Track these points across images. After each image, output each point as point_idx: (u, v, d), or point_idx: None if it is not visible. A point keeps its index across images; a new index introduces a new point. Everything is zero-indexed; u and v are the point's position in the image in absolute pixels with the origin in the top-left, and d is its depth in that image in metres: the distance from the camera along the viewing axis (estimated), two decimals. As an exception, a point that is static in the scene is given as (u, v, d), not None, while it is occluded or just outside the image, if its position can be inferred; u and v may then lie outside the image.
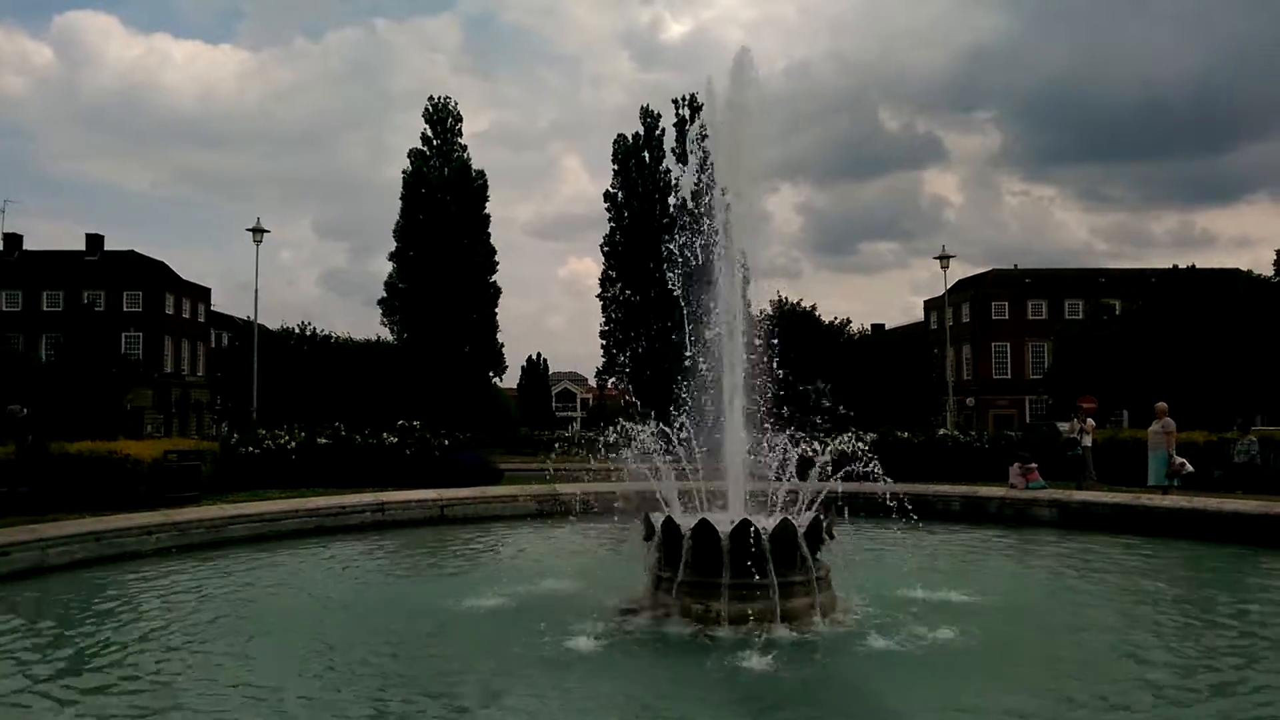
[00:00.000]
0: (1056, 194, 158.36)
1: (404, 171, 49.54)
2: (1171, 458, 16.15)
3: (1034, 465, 16.00)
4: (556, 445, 38.09)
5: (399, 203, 49.02)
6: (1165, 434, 16.59)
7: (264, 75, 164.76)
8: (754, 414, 8.74)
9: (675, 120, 50.38)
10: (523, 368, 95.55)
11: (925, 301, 76.76)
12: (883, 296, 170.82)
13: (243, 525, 12.86)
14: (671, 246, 9.13)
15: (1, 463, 13.95)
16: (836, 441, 8.55)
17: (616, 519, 9.38)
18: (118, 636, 7.42)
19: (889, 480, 8.22)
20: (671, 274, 9.20)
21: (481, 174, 50.29)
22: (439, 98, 50.81)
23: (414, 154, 49.71)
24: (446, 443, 19.59)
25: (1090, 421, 18.53)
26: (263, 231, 34.22)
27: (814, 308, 46.78)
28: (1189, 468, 16.11)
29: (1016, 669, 6.49)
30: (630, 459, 8.34)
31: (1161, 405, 17.15)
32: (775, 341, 9.30)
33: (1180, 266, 48.92)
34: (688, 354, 9.16)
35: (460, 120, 50.85)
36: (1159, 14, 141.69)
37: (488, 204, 50.45)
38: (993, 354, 68.37)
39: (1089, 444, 17.80)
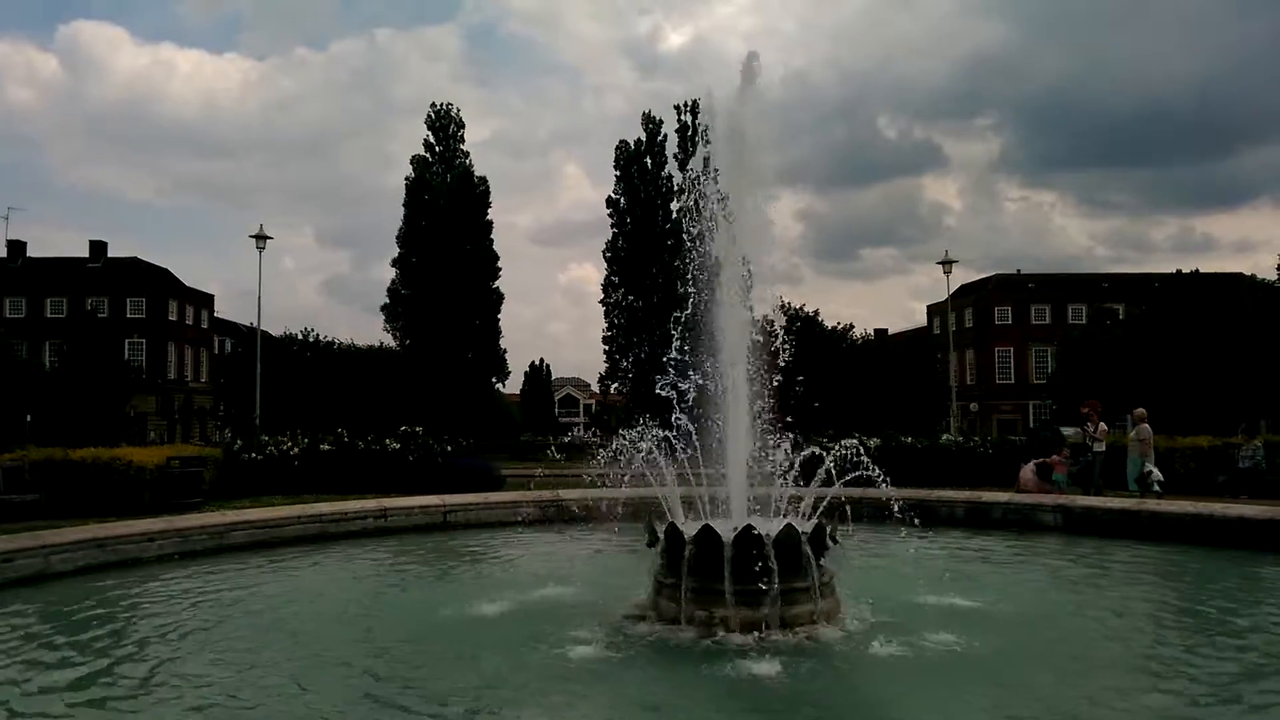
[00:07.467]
0: (1056, 200, 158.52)
1: (407, 178, 49.65)
2: (1143, 466, 16.01)
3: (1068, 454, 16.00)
4: (553, 450, 37.50)
5: (400, 210, 49.18)
6: (1139, 441, 16.49)
7: (266, 84, 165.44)
8: (757, 419, 8.71)
9: (677, 126, 50.49)
10: (525, 374, 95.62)
11: (928, 307, 76.84)
12: (884, 302, 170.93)
13: (245, 531, 12.84)
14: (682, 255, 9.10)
15: (7, 470, 13.98)
16: (840, 447, 8.51)
17: (619, 526, 9.36)
18: (119, 643, 7.41)
19: (892, 486, 8.18)
20: (681, 275, 9.17)
21: (484, 180, 50.36)
22: (441, 104, 51.04)
23: (417, 160, 49.78)
24: (449, 449, 19.57)
25: (1103, 426, 17.80)
26: (265, 238, 34.25)
27: (816, 313, 46.78)
28: (1158, 475, 15.91)
29: (1023, 676, 6.43)
30: (629, 466, 8.31)
31: (1139, 411, 16.97)
32: (784, 345, 9.21)
33: (1183, 271, 48.85)
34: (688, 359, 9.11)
35: (463, 127, 50.96)
36: (1159, 20, 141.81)
37: (490, 210, 50.53)
38: (996, 359, 68.31)
39: (1101, 449, 17.48)
